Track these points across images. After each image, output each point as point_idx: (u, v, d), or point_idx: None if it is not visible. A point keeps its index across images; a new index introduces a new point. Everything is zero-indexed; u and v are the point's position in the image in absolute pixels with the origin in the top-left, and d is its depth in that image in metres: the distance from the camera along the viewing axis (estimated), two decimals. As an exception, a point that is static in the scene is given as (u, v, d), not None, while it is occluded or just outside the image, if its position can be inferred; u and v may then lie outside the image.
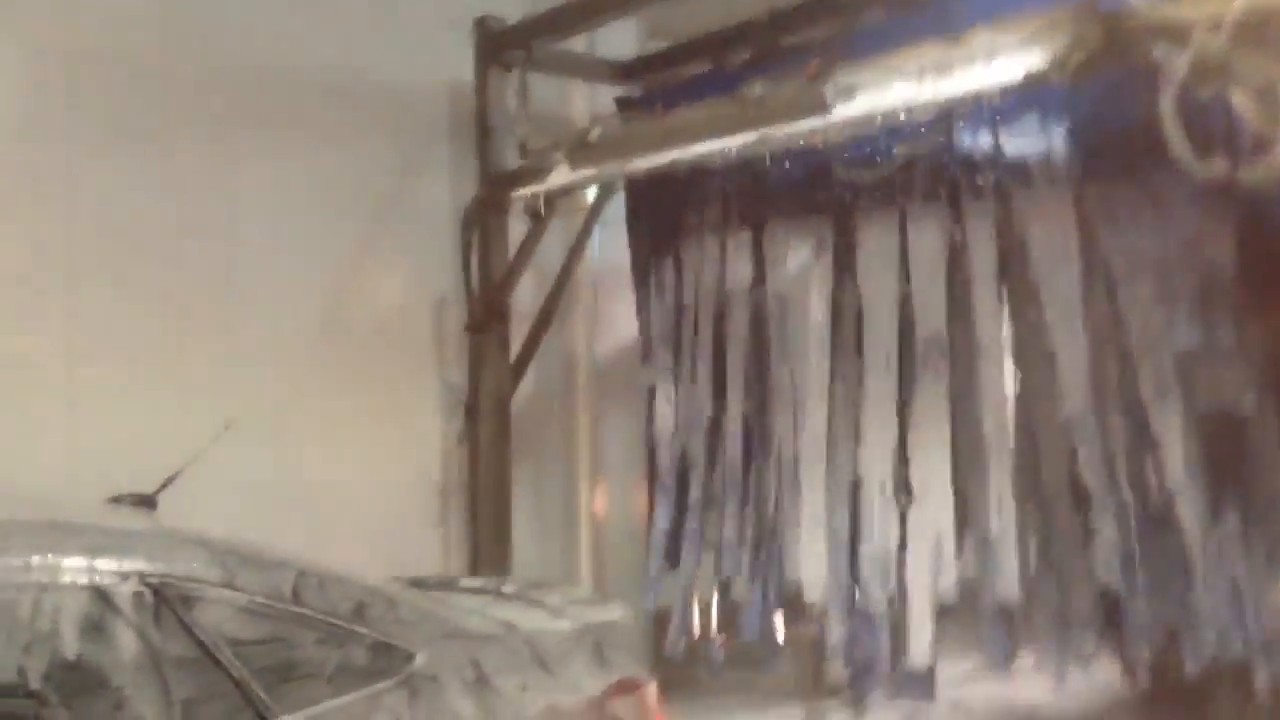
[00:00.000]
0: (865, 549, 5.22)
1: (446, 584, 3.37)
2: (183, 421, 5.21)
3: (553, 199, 5.61)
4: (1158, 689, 4.94)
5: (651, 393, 6.01)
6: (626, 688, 2.89)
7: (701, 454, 5.83)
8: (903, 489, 5.06)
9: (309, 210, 5.59)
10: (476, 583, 3.41)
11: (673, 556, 5.86)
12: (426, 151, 5.98)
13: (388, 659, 2.54)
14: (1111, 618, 4.62)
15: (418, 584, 3.31)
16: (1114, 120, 4.28)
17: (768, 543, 5.66)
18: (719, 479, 5.74)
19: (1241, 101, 3.21)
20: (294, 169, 5.53)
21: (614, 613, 3.26)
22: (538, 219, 5.66)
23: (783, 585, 5.63)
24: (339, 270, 5.73)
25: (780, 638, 5.85)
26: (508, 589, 3.34)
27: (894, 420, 5.13)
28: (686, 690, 6.76)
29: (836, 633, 5.41)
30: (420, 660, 2.57)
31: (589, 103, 6.18)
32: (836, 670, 6.41)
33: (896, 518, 5.11)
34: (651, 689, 2.98)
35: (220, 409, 5.32)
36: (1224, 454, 4.45)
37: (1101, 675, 5.32)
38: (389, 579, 3.03)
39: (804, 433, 5.47)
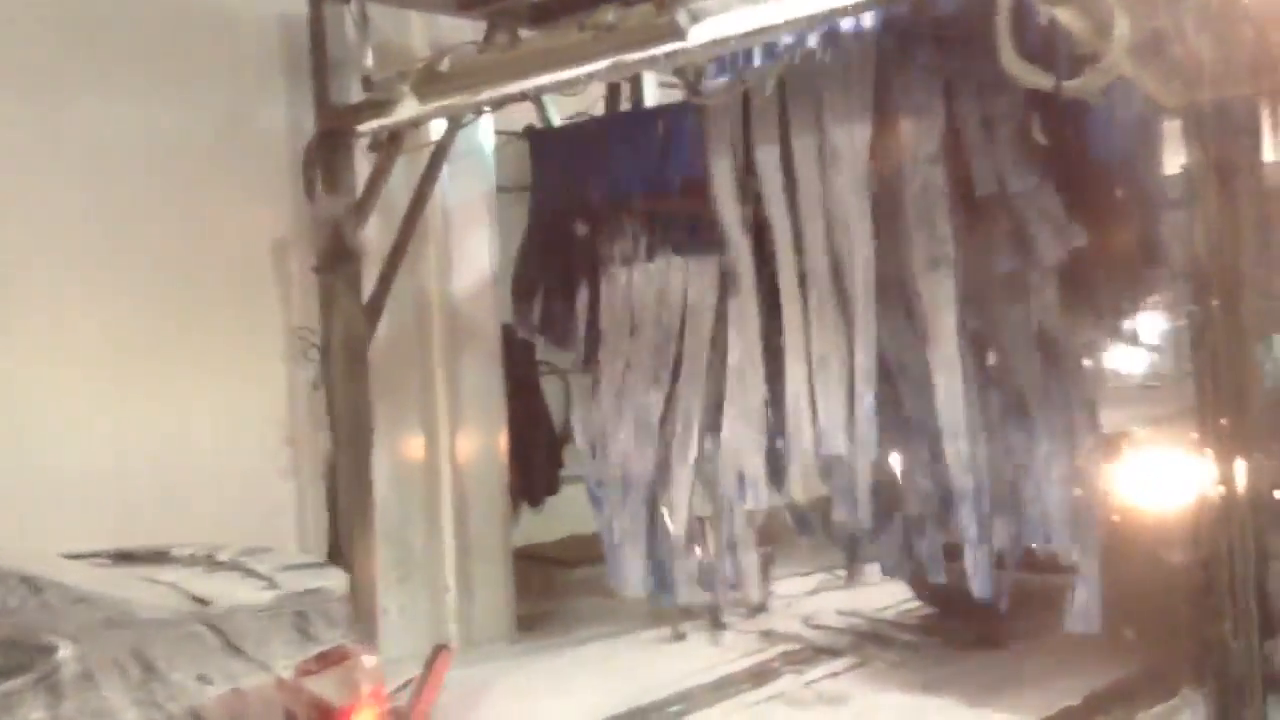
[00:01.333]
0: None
1: (156, 555, 3.08)
2: (19, 375, 4.93)
3: (399, 133, 5.46)
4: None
5: (509, 332, 5.99)
6: (330, 660, 2.67)
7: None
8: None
9: (139, 151, 5.31)
10: (188, 551, 3.13)
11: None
12: (261, 86, 5.72)
13: (24, 655, 2.23)
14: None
15: (125, 556, 3.05)
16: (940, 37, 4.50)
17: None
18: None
19: (1068, 16, 3.42)
20: (123, 108, 5.25)
21: (327, 579, 3.04)
22: (384, 154, 5.51)
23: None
24: (173, 213, 5.43)
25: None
26: (222, 556, 3.10)
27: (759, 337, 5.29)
28: (547, 624, 6.88)
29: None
30: (65, 653, 2.26)
31: (428, 34, 6.02)
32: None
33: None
34: (365, 660, 2.76)
35: (55, 361, 5.08)
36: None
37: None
38: (57, 556, 2.78)
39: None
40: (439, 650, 5.60)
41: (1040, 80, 3.45)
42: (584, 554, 6.52)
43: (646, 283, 5.70)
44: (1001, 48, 3.46)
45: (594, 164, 5.76)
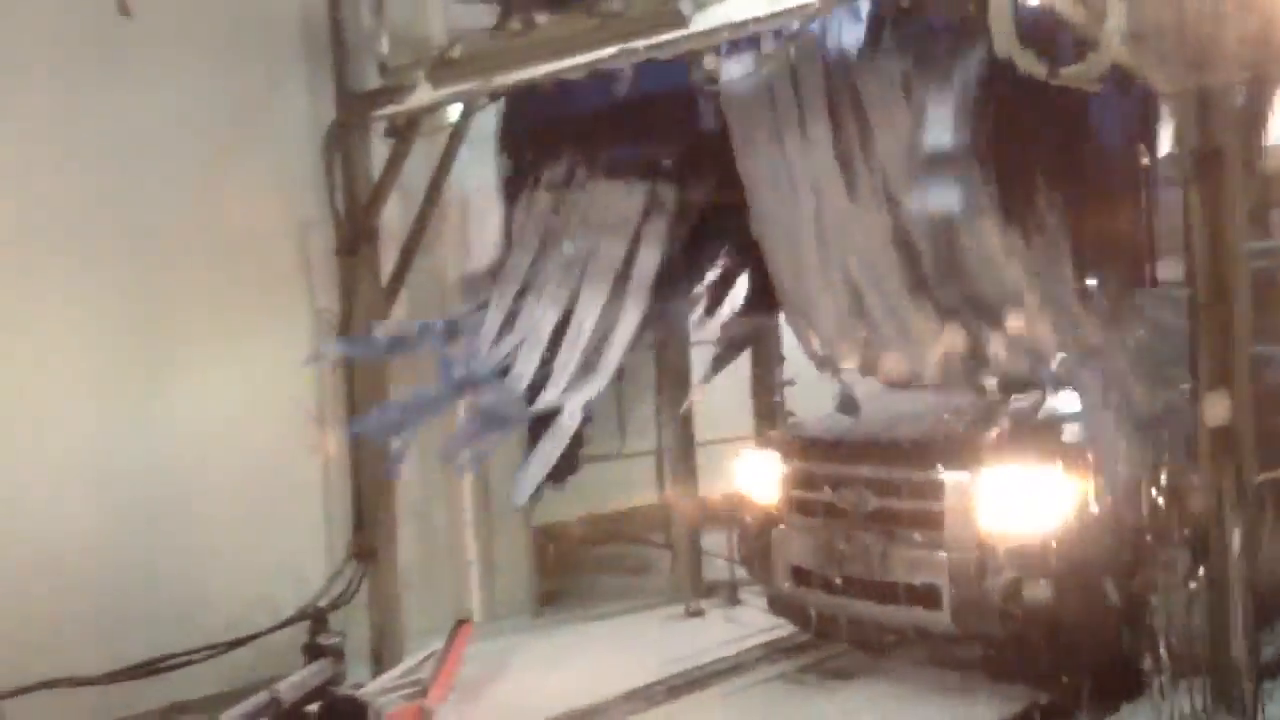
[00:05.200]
0: None
1: None
2: (44, 360, 5.09)
3: (415, 118, 5.55)
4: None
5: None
6: None
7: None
8: None
9: (163, 137, 5.39)
10: None
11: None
12: (282, 72, 5.81)
13: None
14: None
15: None
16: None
17: None
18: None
19: (1063, 3, 3.42)
20: (145, 94, 5.32)
21: None
22: (401, 139, 5.61)
23: None
24: (197, 197, 5.53)
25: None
26: None
27: None
28: (567, 600, 6.99)
29: None
30: None
31: (444, 19, 6.07)
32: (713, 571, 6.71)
33: None
34: None
35: (78, 347, 5.23)
36: None
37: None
38: None
39: None
40: (460, 624, 5.76)
41: (1036, 67, 3.46)
42: (604, 532, 6.61)
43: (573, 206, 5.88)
44: (997, 32, 3.47)
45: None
